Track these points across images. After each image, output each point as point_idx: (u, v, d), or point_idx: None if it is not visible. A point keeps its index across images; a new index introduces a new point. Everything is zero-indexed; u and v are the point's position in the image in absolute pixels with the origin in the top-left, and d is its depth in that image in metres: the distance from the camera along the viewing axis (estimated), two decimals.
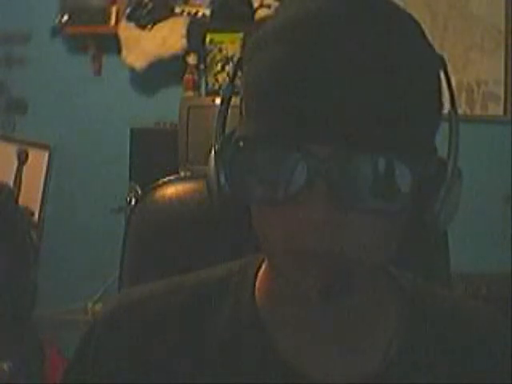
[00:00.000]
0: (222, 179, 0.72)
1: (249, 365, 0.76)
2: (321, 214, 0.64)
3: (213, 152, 0.74)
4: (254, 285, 0.80)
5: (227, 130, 0.76)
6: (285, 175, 0.66)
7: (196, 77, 3.37)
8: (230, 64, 3.26)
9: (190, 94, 3.34)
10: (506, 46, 3.11)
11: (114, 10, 3.46)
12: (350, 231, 0.66)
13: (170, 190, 1.08)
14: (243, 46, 3.09)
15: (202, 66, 3.36)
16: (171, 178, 1.10)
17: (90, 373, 0.80)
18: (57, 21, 3.50)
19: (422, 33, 0.70)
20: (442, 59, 0.71)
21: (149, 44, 3.34)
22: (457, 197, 0.71)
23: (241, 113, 0.72)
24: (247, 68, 0.70)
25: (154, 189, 1.09)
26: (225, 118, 0.75)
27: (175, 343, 0.78)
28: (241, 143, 0.69)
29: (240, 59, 0.73)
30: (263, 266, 0.80)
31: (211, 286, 0.81)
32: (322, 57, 0.64)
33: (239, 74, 0.74)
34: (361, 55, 0.64)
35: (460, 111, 2.84)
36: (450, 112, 0.72)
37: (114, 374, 0.78)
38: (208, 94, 3.33)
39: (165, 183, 1.09)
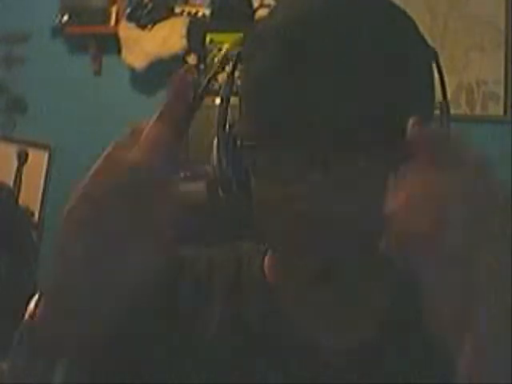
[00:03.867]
0: (224, 163, 0.76)
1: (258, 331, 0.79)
2: (318, 194, 0.67)
3: (215, 141, 0.77)
4: (263, 261, 0.83)
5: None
6: (284, 167, 0.69)
7: (196, 77, 3.37)
8: (230, 64, 3.26)
9: None
10: (506, 46, 3.11)
11: (114, 9, 3.46)
12: (343, 211, 0.68)
13: None
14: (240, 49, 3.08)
15: (202, 66, 3.36)
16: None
17: None
18: (57, 21, 3.51)
19: (415, 27, 0.73)
20: (434, 52, 0.74)
21: (149, 44, 3.34)
22: None
23: (240, 108, 0.74)
24: (246, 66, 0.73)
25: None
26: (225, 113, 0.78)
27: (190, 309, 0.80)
28: (241, 139, 0.74)
29: (239, 53, 0.76)
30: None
31: (224, 257, 0.84)
32: (318, 57, 0.67)
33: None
34: (356, 53, 0.67)
35: (460, 111, 2.83)
36: (441, 103, 0.75)
37: None
38: (208, 94, 3.33)
39: None
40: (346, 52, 0.66)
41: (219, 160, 0.76)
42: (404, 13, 0.73)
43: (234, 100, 0.78)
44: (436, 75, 0.75)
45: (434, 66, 0.75)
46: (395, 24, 0.70)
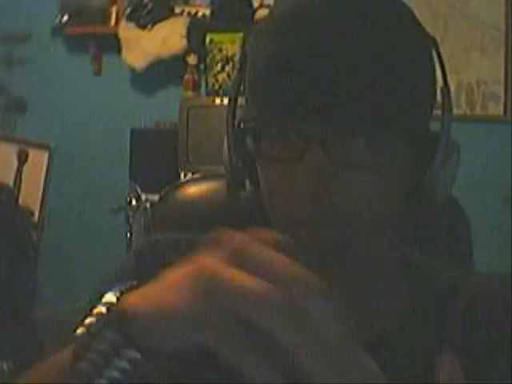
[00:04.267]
0: (235, 161, 0.77)
1: None
2: (316, 172, 0.68)
3: (225, 141, 0.78)
4: None
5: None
6: (285, 145, 0.70)
7: (196, 77, 3.37)
8: (230, 64, 3.27)
9: (190, 94, 3.34)
10: (506, 45, 3.11)
11: (114, 9, 3.46)
12: (344, 191, 0.69)
13: (192, 189, 1.09)
14: (243, 46, 3.10)
15: (201, 66, 3.37)
16: (194, 177, 1.12)
17: None
18: (57, 21, 3.51)
19: (414, 16, 0.74)
20: (433, 40, 0.74)
21: (149, 44, 3.35)
22: (453, 166, 0.75)
23: (246, 101, 0.75)
24: (249, 62, 0.74)
25: (176, 188, 1.10)
26: (233, 112, 0.79)
27: None
28: (244, 124, 0.75)
29: (244, 52, 0.77)
30: None
31: None
32: (315, 45, 0.68)
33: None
34: (351, 40, 0.68)
35: (460, 111, 2.83)
36: (442, 88, 0.75)
37: None
38: (208, 93, 3.33)
39: (187, 182, 1.11)
40: (346, 43, 0.67)
41: (230, 159, 0.77)
42: (402, 3, 0.74)
43: (240, 100, 0.78)
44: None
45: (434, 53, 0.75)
46: (394, 15, 0.71)
